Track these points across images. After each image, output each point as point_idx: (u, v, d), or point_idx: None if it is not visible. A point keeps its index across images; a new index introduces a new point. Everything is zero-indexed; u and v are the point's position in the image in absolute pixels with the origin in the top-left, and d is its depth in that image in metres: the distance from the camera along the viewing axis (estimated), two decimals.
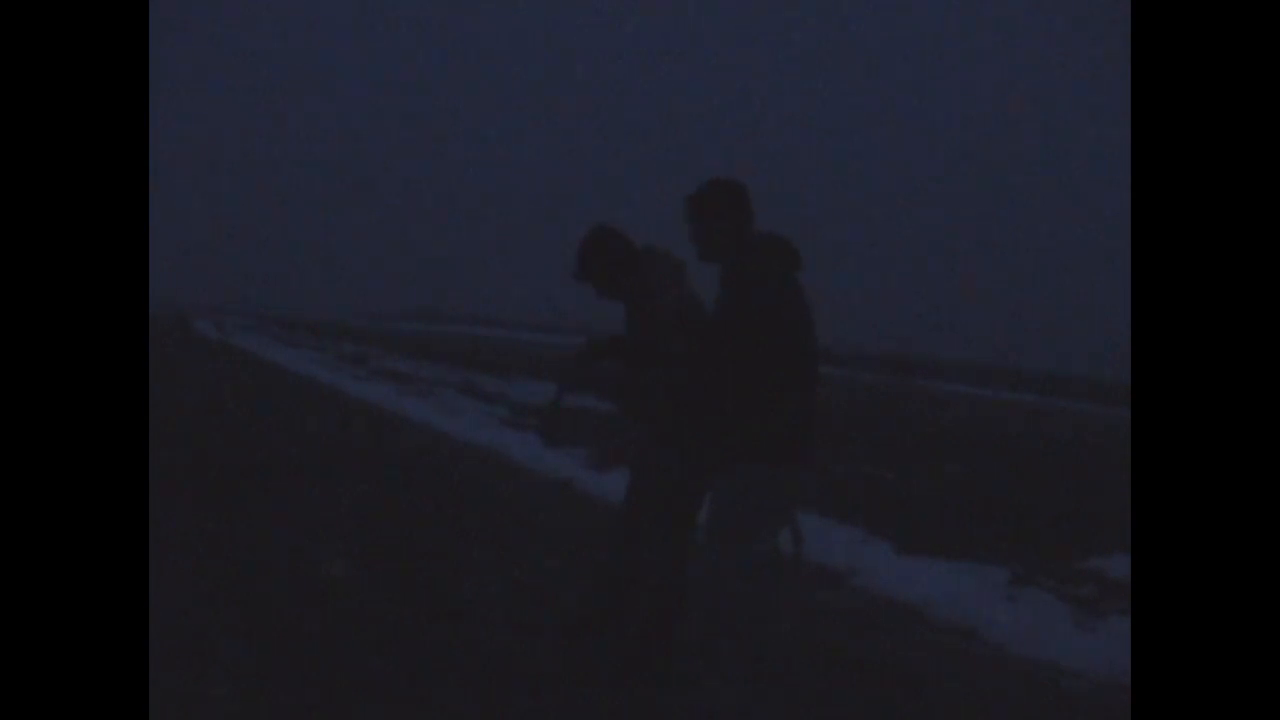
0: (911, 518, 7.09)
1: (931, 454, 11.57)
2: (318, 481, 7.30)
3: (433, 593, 4.69)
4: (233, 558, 5.06)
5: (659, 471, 3.71)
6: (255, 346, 28.19)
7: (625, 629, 3.86)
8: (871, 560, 5.85)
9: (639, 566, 3.82)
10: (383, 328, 50.22)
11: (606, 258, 3.73)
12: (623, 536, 3.89)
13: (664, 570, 3.71)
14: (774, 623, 3.37)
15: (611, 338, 3.98)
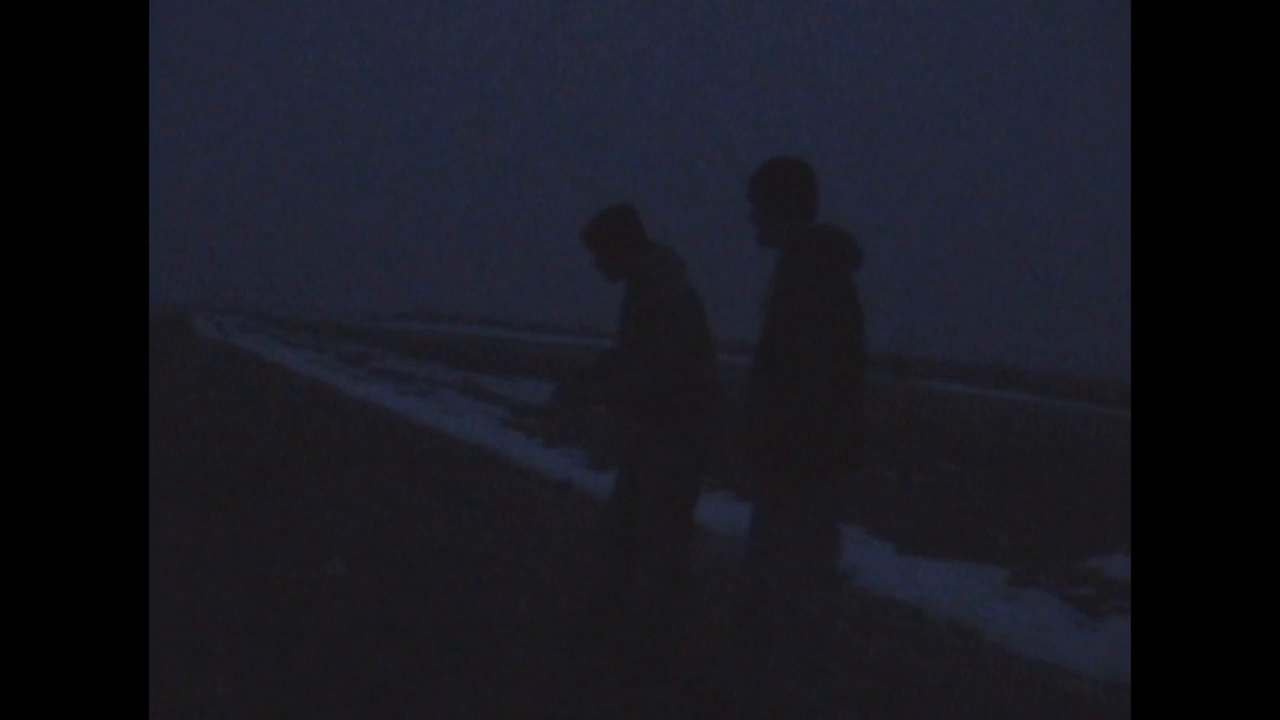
0: (911, 518, 7.10)
1: (931, 454, 11.57)
2: (317, 481, 7.30)
3: (433, 592, 4.69)
4: (233, 558, 5.06)
5: (654, 467, 3.72)
6: (255, 346, 28.19)
7: (623, 627, 3.87)
8: (871, 560, 5.85)
9: (635, 563, 3.83)
10: (383, 328, 50.21)
11: (619, 230, 3.77)
12: (615, 533, 3.90)
13: (661, 567, 3.72)
14: (832, 638, 3.19)
15: (607, 352, 4.02)
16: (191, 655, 3.70)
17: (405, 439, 10.40)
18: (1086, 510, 8.02)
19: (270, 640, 3.92)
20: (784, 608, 3.04)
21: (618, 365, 3.93)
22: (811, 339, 2.96)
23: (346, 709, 3.36)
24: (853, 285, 3.09)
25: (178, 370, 16.32)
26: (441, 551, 5.51)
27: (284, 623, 4.13)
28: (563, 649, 3.99)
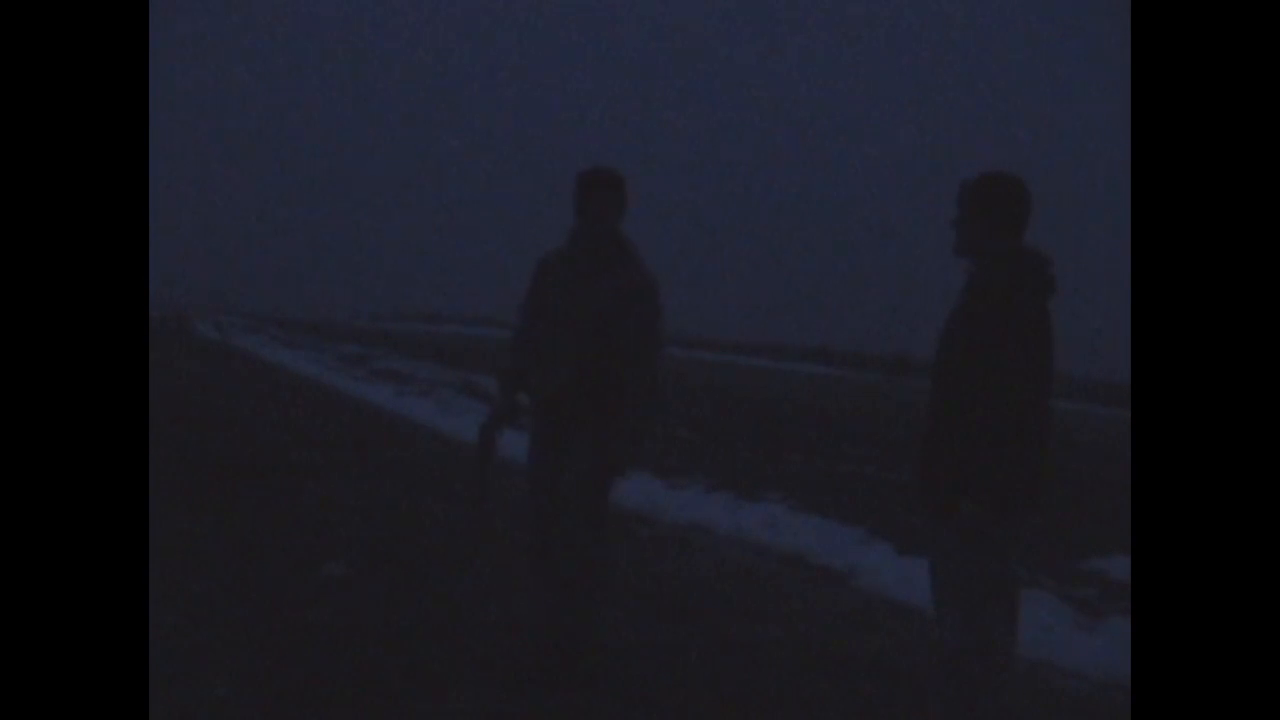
0: (912, 518, 7.09)
1: None
2: (318, 481, 7.30)
3: (433, 593, 4.69)
4: (233, 558, 5.06)
5: (589, 456, 3.59)
6: (255, 346, 28.18)
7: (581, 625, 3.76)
8: (871, 560, 5.85)
9: (556, 560, 3.67)
10: (383, 328, 50.26)
11: (618, 194, 3.66)
12: (540, 527, 3.74)
13: (575, 568, 3.60)
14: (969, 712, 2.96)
15: (512, 370, 3.93)
16: (191, 655, 3.69)
17: (405, 439, 10.40)
18: (1086, 510, 8.01)
19: (270, 640, 3.92)
20: (947, 667, 2.95)
21: (552, 368, 3.72)
22: (1009, 369, 2.82)
23: (346, 709, 3.36)
24: (1048, 314, 2.97)
25: (178, 371, 16.32)
26: (441, 551, 5.51)
27: (284, 623, 4.13)
28: (561, 648, 3.98)
